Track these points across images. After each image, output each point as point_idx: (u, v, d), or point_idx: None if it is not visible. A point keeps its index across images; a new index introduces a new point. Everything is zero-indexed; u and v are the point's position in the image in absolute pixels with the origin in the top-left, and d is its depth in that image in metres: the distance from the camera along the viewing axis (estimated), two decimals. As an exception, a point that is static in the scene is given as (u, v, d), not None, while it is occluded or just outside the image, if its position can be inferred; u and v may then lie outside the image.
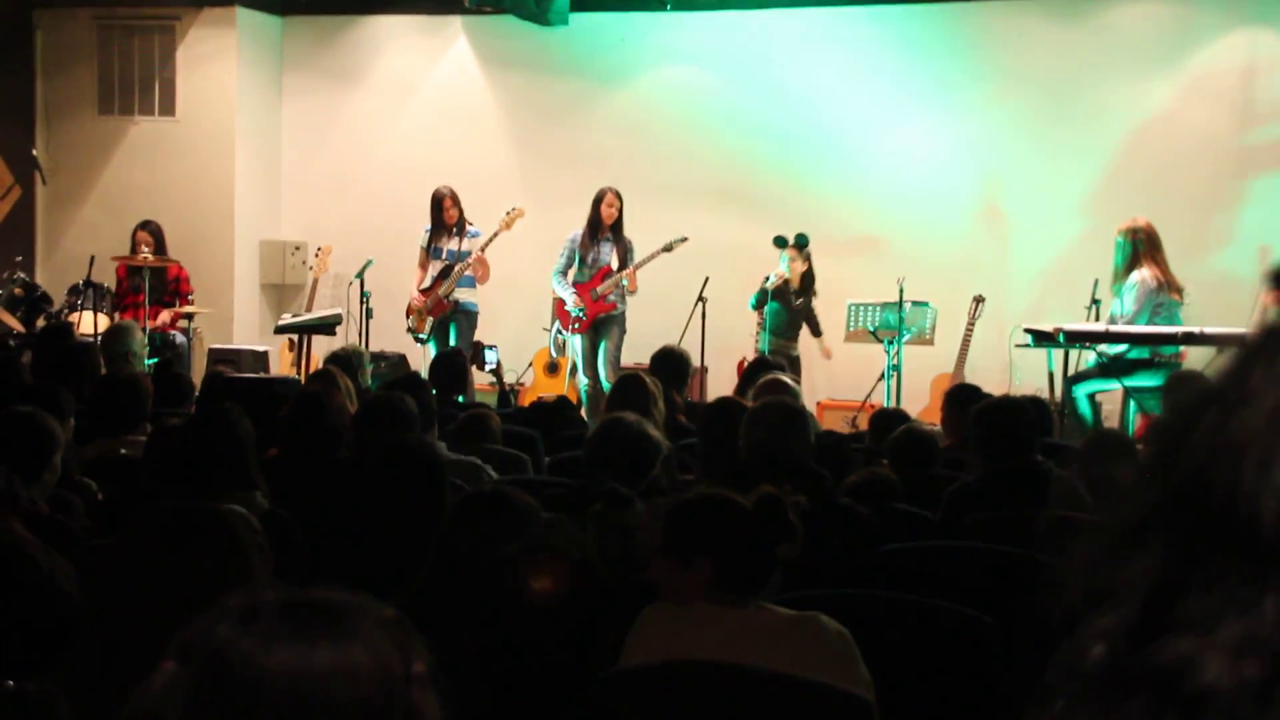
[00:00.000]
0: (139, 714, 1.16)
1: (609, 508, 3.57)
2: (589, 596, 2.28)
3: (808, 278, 9.52)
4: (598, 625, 2.29)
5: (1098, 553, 0.87)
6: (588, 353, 9.64)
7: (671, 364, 6.85)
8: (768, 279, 9.49)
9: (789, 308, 9.49)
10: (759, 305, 9.56)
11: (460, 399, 7.12)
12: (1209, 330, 8.02)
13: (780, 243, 9.47)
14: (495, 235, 9.79)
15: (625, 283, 9.51)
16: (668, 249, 9.56)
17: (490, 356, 9.02)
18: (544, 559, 2.29)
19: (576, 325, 9.62)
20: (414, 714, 1.17)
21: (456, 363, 7.16)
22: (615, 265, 9.59)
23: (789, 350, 9.45)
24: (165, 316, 9.90)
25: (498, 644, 2.24)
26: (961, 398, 5.72)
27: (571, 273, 9.65)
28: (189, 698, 1.14)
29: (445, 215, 9.86)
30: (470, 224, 9.93)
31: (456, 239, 9.87)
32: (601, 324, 9.61)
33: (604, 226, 9.57)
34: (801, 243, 9.46)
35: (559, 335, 10.03)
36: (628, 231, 9.58)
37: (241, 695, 1.15)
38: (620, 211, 9.60)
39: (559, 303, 9.74)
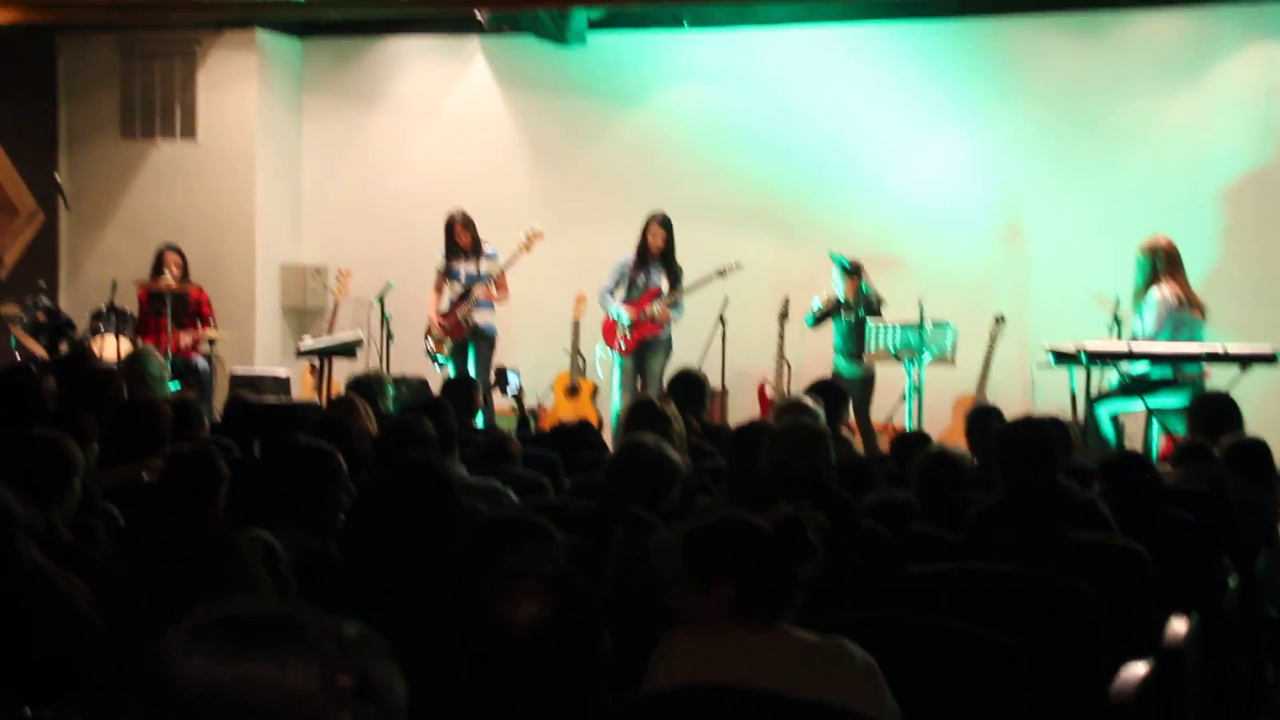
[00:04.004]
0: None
1: (630, 532, 3.56)
2: (572, 611, 2.27)
3: (859, 296, 9.39)
4: (589, 639, 2.28)
5: None
6: (630, 374, 9.64)
7: (689, 386, 6.82)
8: (816, 302, 9.43)
9: (846, 327, 9.39)
10: (816, 324, 9.49)
11: (476, 423, 7.11)
12: (1233, 348, 7.97)
13: (836, 260, 9.39)
14: (514, 257, 9.81)
15: (680, 306, 9.52)
16: (720, 274, 9.57)
17: (513, 380, 9.01)
18: (518, 582, 2.28)
19: (623, 344, 9.63)
20: None
21: (468, 387, 7.16)
22: (665, 288, 9.62)
23: (867, 370, 9.35)
24: (186, 339, 9.94)
25: (491, 671, 2.24)
26: (983, 419, 5.69)
27: (619, 294, 9.66)
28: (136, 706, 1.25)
29: (457, 239, 9.89)
30: (486, 244, 9.95)
31: (473, 261, 9.89)
32: (647, 346, 9.62)
33: (651, 255, 9.61)
34: (840, 262, 9.39)
35: (604, 354, 10.00)
36: None
37: (157, 702, 1.24)
38: (668, 240, 9.62)
39: (607, 321, 9.74)
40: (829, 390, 6.58)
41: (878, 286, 9.54)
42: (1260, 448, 5.42)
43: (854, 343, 9.35)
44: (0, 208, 11.45)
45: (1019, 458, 4.31)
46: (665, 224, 9.65)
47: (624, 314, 9.59)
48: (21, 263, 11.19)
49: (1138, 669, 3.65)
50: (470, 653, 2.27)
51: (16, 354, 10.08)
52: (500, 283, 9.87)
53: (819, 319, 9.48)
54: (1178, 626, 4.01)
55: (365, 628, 1.31)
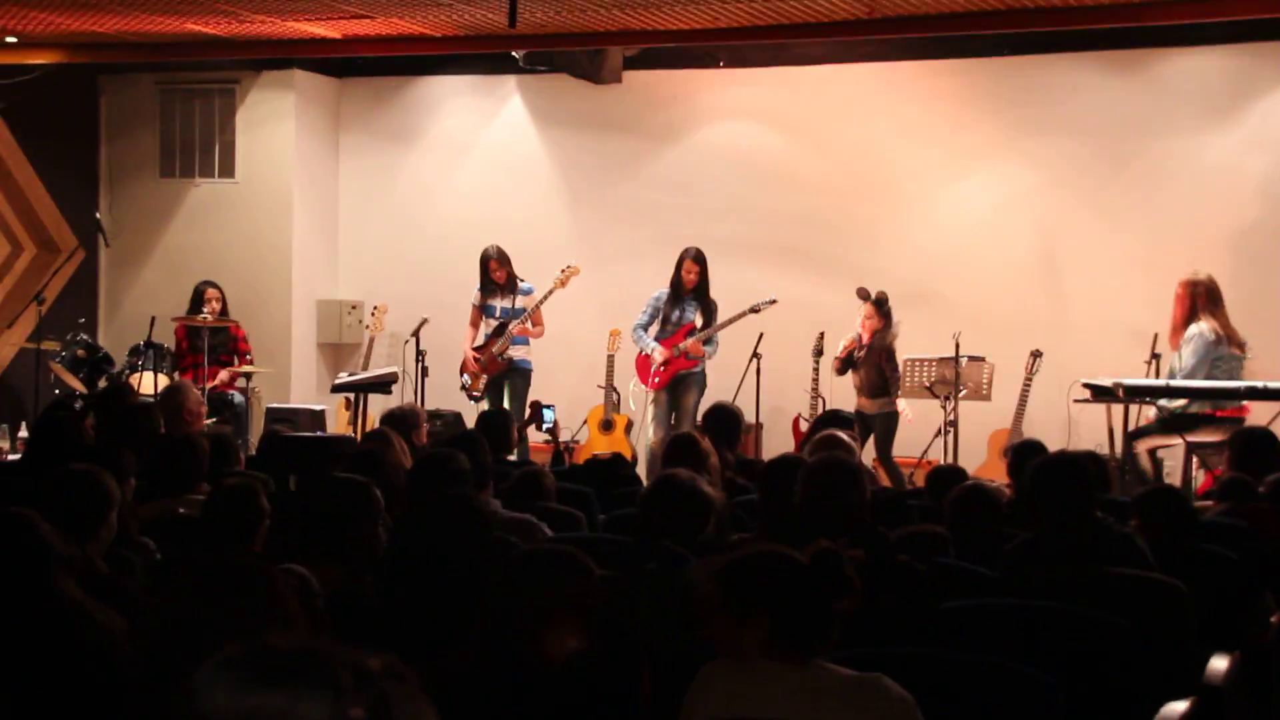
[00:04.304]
0: None
1: (663, 566, 3.55)
2: (610, 646, 2.26)
3: (879, 336, 9.31)
4: (625, 676, 2.26)
5: None
6: (664, 409, 9.64)
7: (724, 421, 6.82)
8: (840, 346, 9.40)
9: (865, 367, 9.34)
10: (843, 372, 9.44)
11: (510, 457, 7.13)
12: (1273, 385, 7.90)
13: (863, 295, 9.38)
14: (550, 293, 9.84)
15: (715, 341, 9.52)
16: (755, 310, 9.57)
17: (548, 416, 9.03)
18: (558, 616, 2.27)
19: (656, 380, 9.63)
20: None
21: (501, 422, 7.17)
22: (699, 323, 9.62)
23: (887, 406, 9.30)
24: (224, 375, 10.01)
25: (527, 706, 2.23)
26: (1025, 454, 5.66)
27: (653, 330, 9.68)
28: None
29: (493, 275, 9.94)
30: (522, 280, 9.99)
31: (509, 297, 9.94)
32: (681, 381, 9.63)
33: (685, 291, 9.63)
34: (865, 297, 9.34)
35: (637, 389, 10.01)
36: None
37: None
38: (702, 275, 9.63)
39: (640, 357, 9.75)
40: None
41: (914, 321, 9.50)
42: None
43: (867, 385, 9.31)
44: (42, 244, 11.58)
45: (1055, 493, 4.28)
46: (699, 259, 9.67)
47: (657, 350, 9.60)
48: (61, 299, 11.31)
49: (1178, 707, 3.60)
50: (508, 687, 2.26)
51: (56, 389, 10.17)
52: (536, 318, 9.91)
53: (844, 368, 9.41)
54: (1218, 664, 3.96)
55: (393, 659, 1.32)
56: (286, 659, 1.28)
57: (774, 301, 9.60)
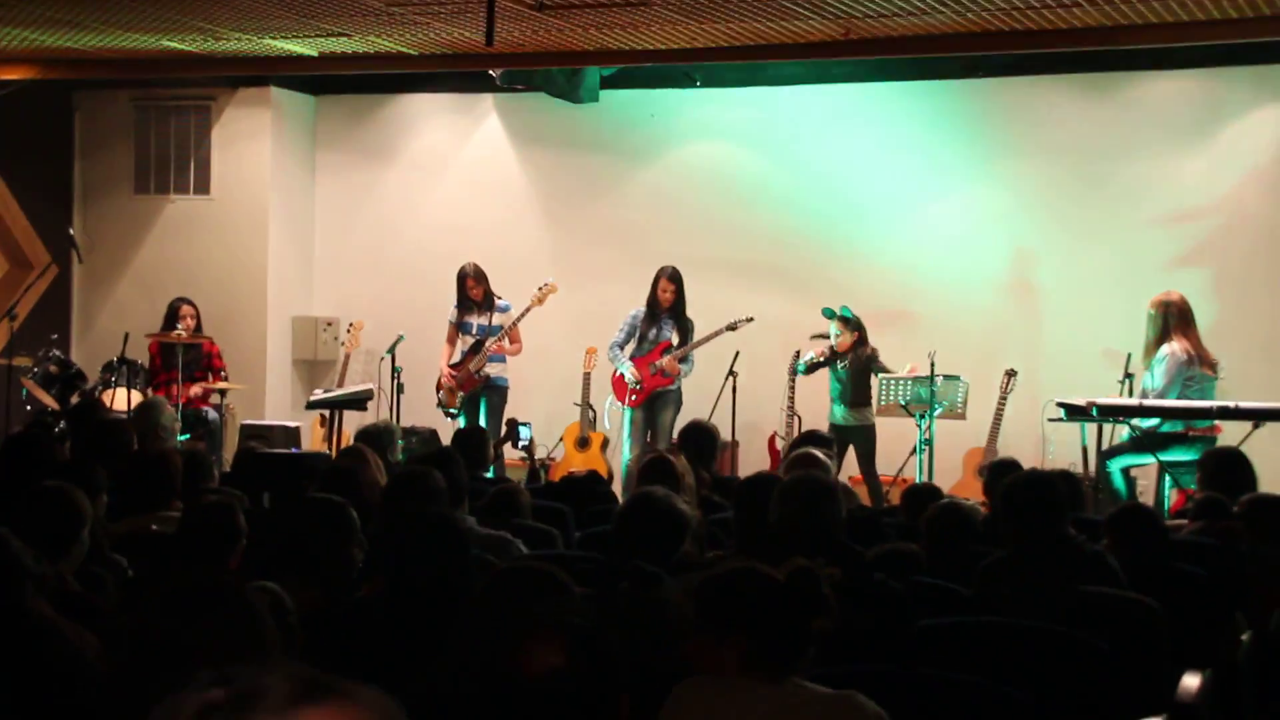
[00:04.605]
0: None
1: (635, 586, 3.55)
2: (591, 665, 2.26)
3: (859, 348, 9.41)
4: (605, 695, 2.26)
5: None
6: (639, 427, 9.65)
7: (700, 439, 6.83)
8: (809, 354, 9.50)
9: (843, 378, 9.41)
10: (807, 372, 9.52)
11: (487, 474, 7.12)
12: (1244, 405, 7.95)
13: (827, 313, 9.46)
14: (527, 310, 9.85)
15: (690, 359, 9.55)
16: (731, 328, 9.60)
17: (524, 433, 9.03)
18: (538, 632, 2.27)
19: (633, 398, 9.65)
20: None
21: (477, 439, 7.16)
22: (675, 341, 9.64)
23: (864, 419, 9.36)
24: (196, 390, 9.96)
25: None
26: (1001, 472, 5.68)
27: (629, 348, 9.70)
28: None
29: (470, 293, 9.94)
30: (499, 298, 10.00)
31: (485, 314, 9.93)
32: (657, 399, 9.64)
33: (661, 310, 9.65)
34: (829, 315, 9.44)
35: (613, 406, 10.02)
36: None
37: None
38: (678, 294, 9.66)
39: (616, 376, 9.77)
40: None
41: (889, 340, 9.57)
42: (1278, 504, 5.39)
43: (851, 393, 9.36)
44: (14, 260, 11.53)
45: (1026, 511, 4.30)
46: (675, 278, 9.70)
47: (629, 371, 9.62)
48: (34, 315, 11.25)
49: (1151, 725, 3.62)
50: (486, 703, 2.26)
51: (28, 405, 10.11)
52: (514, 336, 9.91)
53: (811, 368, 9.51)
54: (1190, 682, 3.98)
55: (376, 694, 1.30)
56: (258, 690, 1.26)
57: (750, 319, 9.64)
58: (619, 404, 9.86)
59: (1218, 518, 5.46)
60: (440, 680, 2.47)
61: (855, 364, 9.39)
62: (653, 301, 9.72)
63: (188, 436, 9.19)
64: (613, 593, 3.66)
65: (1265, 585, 4.72)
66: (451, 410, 9.97)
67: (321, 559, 3.73)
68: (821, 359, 9.52)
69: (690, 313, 9.76)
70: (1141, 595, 4.12)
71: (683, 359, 9.64)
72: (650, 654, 3.12)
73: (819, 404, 9.68)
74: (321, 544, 3.76)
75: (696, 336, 9.69)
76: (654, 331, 9.71)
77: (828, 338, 9.52)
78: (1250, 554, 4.91)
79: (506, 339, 9.89)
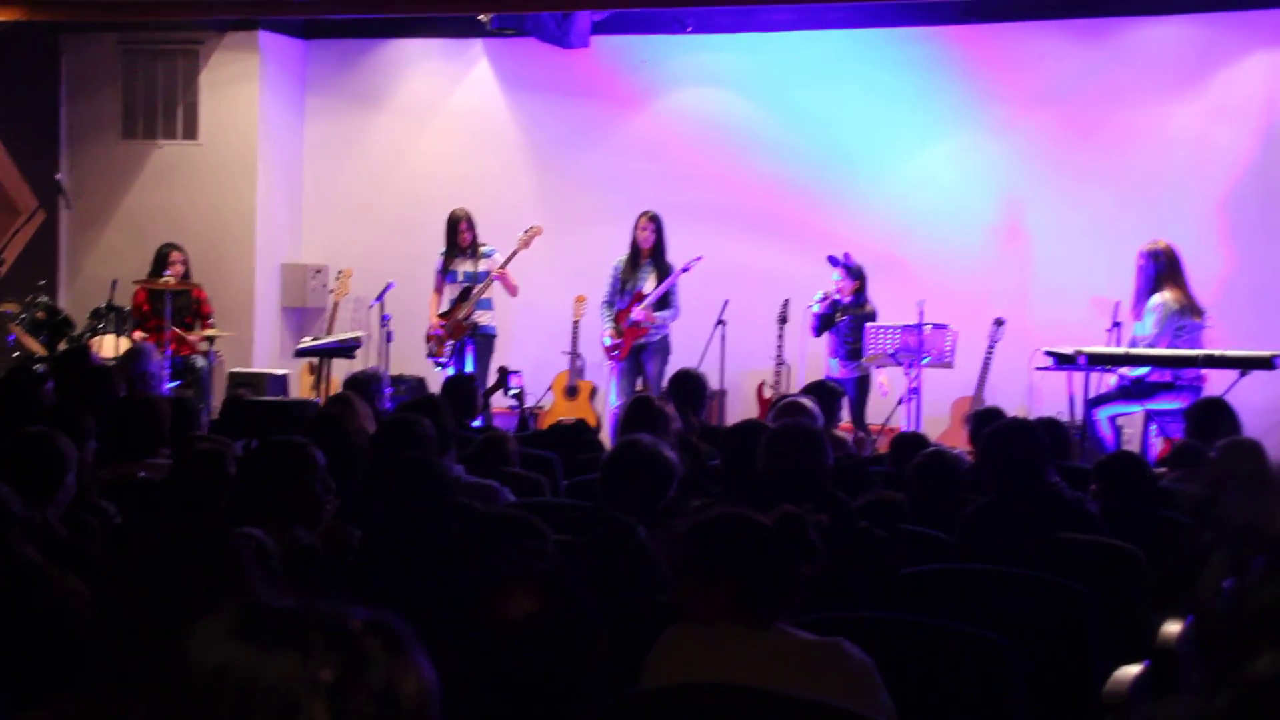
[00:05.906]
0: None
1: (610, 534, 3.56)
2: (566, 609, 2.27)
3: (858, 299, 9.38)
4: (582, 638, 2.28)
5: None
6: (628, 375, 9.63)
7: (688, 386, 6.83)
8: (814, 306, 9.41)
9: (842, 332, 9.37)
10: (821, 332, 9.46)
11: (474, 422, 7.12)
12: (1231, 352, 7.97)
13: (833, 261, 9.40)
14: (514, 254, 9.82)
15: (674, 306, 9.48)
16: (685, 270, 9.56)
17: (512, 380, 9.02)
18: (515, 578, 2.29)
19: (616, 353, 9.62)
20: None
21: (466, 386, 7.16)
22: (648, 290, 9.58)
23: (860, 370, 9.34)
24: (185, 338, 9.93)
25: (485, 668, 2.24)
26: (986, 420, 5.69)
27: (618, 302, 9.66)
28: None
29: (460, 238, 9.90)
30: (484, 245, 9.96)
31: (471, 261, 9.90)
32: (640, 351, 9.59)
33: (642, 251, 9.59)
34: (835, 263, 9.39)
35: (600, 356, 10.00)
36: None
37: (167, 686, 1.31)
38: (658, 234, 9.59)
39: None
40: (823, 391, 6.63)
41: (879, 288, 9.55)
42: (1255, 448, 5.41)
43: (848, 345, 9.35)
44: (1, 206, 11.46)
45: (1007, 458, 4.33)
46: (655, 219, 9.63)
47: (611, 332, 9.58)
48: (21, 261, 11.19)
49: (1131, 670, 3.65)
50: (464, 649, 2.27)
51: (15, 352, 10.09)
52: (505, 277, 9.83)
53: (822, 327, 9.44)
54: (1171, 628, 4.01)
55: (380, 618, 1.32)
56: (264, 618, 1.29)
57: (700, 259, 9.52)
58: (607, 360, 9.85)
59: (1198, 465, 5.49)
60: (418, 625, 2.49)
61: (856, 320, 9.35)
62: (633, 244, 9.66)
63: (176, 384, 9.18)
64: (599, 538, 3.68)
65: (1243, 529, 4.75)
66: (440, 359, 9.96)
67: (287, 500, 3.74)
68: (827, 312, 9.43)
69: (681, 260, 9.71)
70: (1123, 542, 4.15)
71: (663, 306, 9.58)
72: (629, 600, 3.14)
73: (807, 353, 9.66)
74: (285, 485, 3.77)
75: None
76: (632, 282, 9.64)
77: (826, 299, 9.43)
78: (1227, 498, 4.95)
79: (505, 284, 9.82)
